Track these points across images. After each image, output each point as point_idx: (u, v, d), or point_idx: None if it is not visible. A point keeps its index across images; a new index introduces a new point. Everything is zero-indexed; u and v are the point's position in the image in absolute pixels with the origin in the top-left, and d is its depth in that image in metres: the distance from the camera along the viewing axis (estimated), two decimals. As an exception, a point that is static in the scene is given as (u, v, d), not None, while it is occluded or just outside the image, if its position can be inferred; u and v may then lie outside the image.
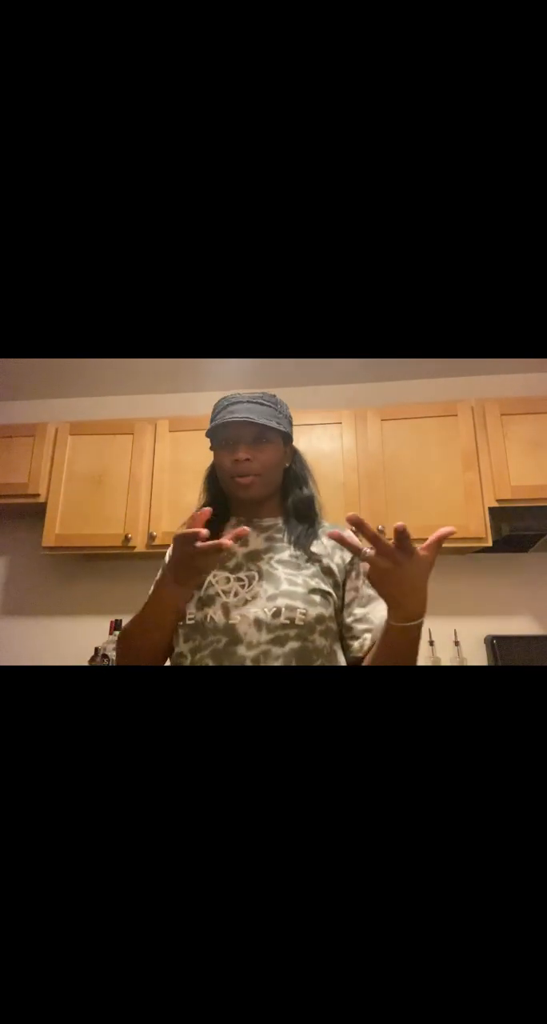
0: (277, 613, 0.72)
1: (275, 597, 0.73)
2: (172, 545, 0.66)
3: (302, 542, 0.81)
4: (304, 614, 0.72)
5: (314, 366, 2.11)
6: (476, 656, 1.97)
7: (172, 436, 2.05)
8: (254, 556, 0.79)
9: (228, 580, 0.77)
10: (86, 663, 2.00)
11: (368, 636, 0.76)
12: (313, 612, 0.73)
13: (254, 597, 0.74)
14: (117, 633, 1.94)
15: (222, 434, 0.80)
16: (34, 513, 2.16)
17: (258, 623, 0.72)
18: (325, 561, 0.79)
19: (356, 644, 0.76)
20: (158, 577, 0.76)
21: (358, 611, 0.78)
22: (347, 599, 0.79)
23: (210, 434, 0.81)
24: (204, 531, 0.61)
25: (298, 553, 0.79)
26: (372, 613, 0.78)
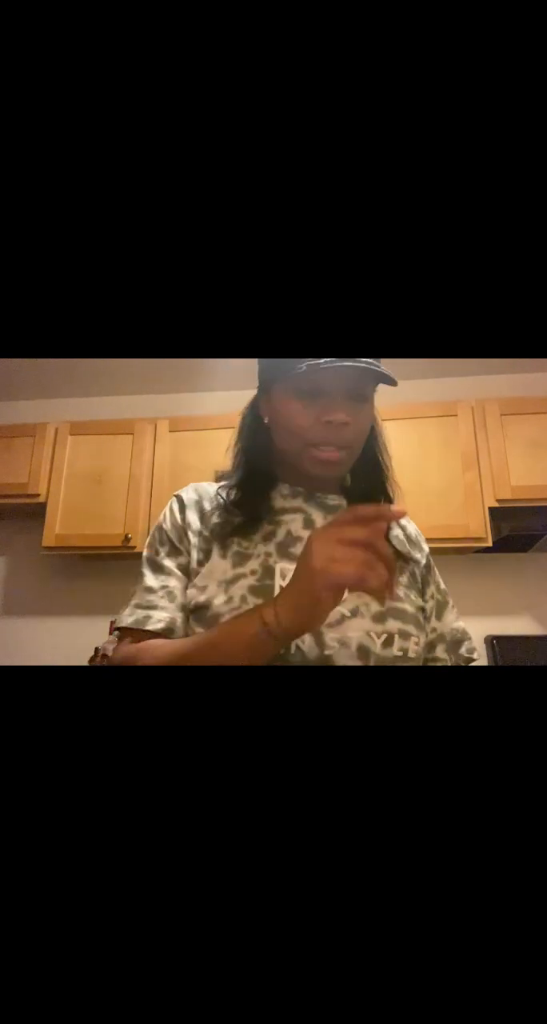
0: (389, 641, 0.51)
1: (383, 617, 0.52)
2: (315, 561, 0.40)
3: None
4: (417, 643, 0.53)
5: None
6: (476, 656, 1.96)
7: (172, 436, 2.05)
8: None
9: None
10: (86, 663, 2.00)
11: (446, 659, 0.59)
12: (422, 640, 0.54)
13: (353, 613, 0.51)
14: (117, 633, 1.94)
15: (312, 380, 0.51)
16: (34, 513, 2.15)
17: (364, 653, 0.49)
18: (410, 563, 0.60)
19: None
20: (248, 612, 0.47)
21: (438, 624, 0.61)
22: (427, 609, 0.60)
23: (274, 371, 0.55)
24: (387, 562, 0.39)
25: None
26: (447, 626, 0.61)
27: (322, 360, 0.49)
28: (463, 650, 0.62)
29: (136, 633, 0.56)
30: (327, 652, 0.49)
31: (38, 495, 2.04)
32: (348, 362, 0.49)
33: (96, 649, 1.96)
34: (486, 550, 1.89)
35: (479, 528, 1.78)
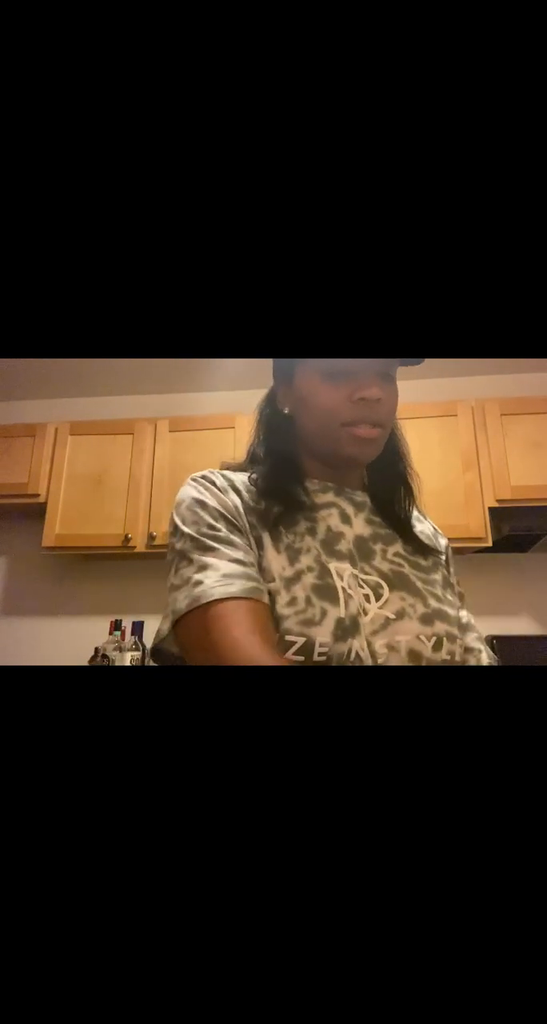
0: (439, 644, 0.48)
1: (430, 619, 0.49)
2: None
3: (409, 531, 0.57)
4: (461, 645, 0.51)
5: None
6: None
7: (172, 436, 2.05)
8: (364, 546, 0.53)
9: (356, 582, 0.49)
10: (86, 663, 2.00)
11: (481, 648, 0.57)
12: (461, 642, 0.52)
13: (398, 615, 0.48)
14: (117, 633, 1.94)
15: (339, 362, 0.50)
16: (34, 513, 2.16)
17: (415, 657, 0.47)
18: (442, 549, 0.59)
19: (471, 660, 0.56)
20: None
21: (463, 615, 0.59)
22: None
23: (311, 365, 0.52)
24: None
25: (410, 548, 0.56)
26: (470, 619, 0.60)
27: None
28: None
29: (238, 605, 0.44)
30: (380, 660, 0.46)
31: (38, 495, 2.04)
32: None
33: (96, 649, 1.96)
34: (486, 550, 1.89)
35: (479, 528, 1.78)
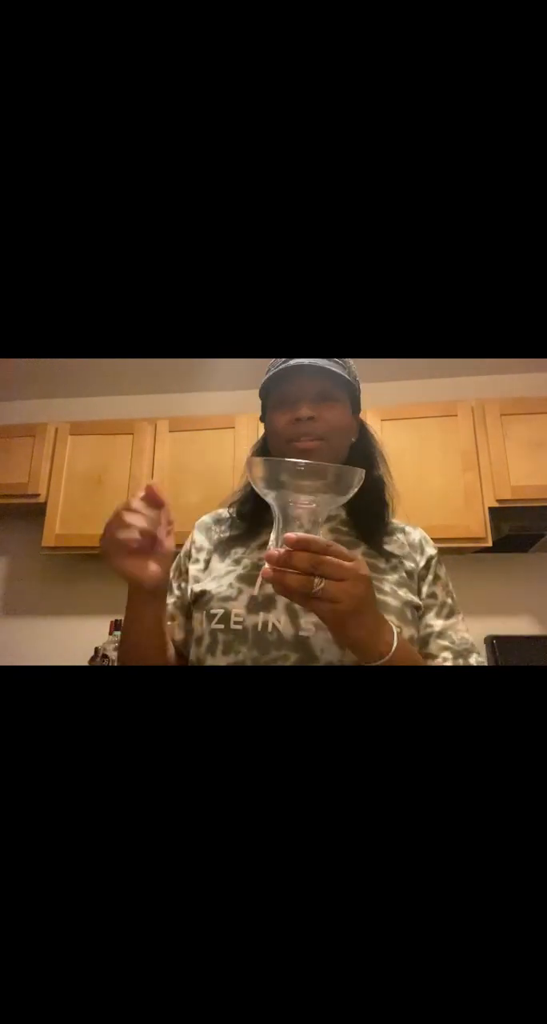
0: None
1: None
2: (106, 541, 0.51)
3: (376, 538, 0.64)
4: (410, 640, 0.57)
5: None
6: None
7: (172, 436, 2.05)
8: None
9: None
10: (86, 663, 2.00)
11: (447, 657, 0.61)
12: (406, 633, 0.57)
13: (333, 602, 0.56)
14: (117, 633, 1.94)
15: (279, 390, 0.63)
16: (34, 513, 2.16)
17: None
18: (407, 564, 0.64)
19: (432, 664, 0.60)
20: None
21: (437, 623, 0.63)
22: (421, 608, 0.64)
23: (263, 392, 0.66)
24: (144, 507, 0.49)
25: (373, 552, 0.63)
26: (453, 630, 0.63)
27: (271, 371, 0.63)
28: (472, 660, 0.63)
29: None
30: (302, 634, 0.56)
31: (38, 495, 2.04)
32: (305, 362, 0.61)
33: (96, 649, 1.96)
34: (486, 550, 1.89)
35: (479, 528, 1.78)
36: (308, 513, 0.46)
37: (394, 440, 1.94)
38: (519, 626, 2.00)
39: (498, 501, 1.82)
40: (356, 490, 0.47)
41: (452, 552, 1.96)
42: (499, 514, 1.83)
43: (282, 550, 0.43)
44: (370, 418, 1.97)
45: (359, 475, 0.46)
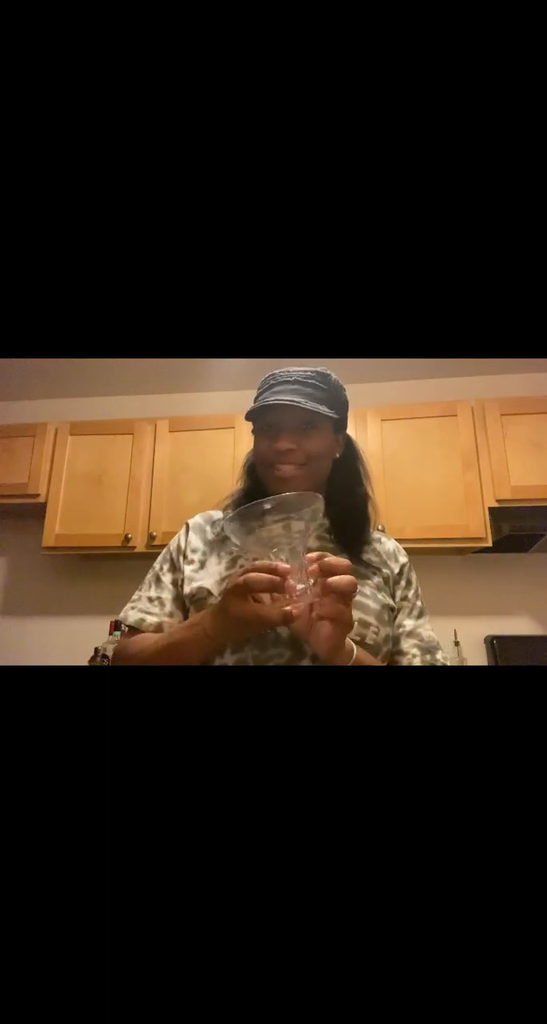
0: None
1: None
2: (229, 596, 0.52)
3: (355, 548, 0.70)
4: (376, 633, 0.63)
5: (314, 366, 2.10)
6: (476, 656, 1.96)
7: (172, 436, 2.05)
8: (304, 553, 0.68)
9: None
10: (86, 663, 2.00)
11: (416, 653, 0.67)
12: (383, 632, 0.64)
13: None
14: (117, 633, 1.94)
15: (263, 418, 0.69)
16: (34, 513, 2.16)
17: None
18: (383, 571, 0.71)
19: (403, 661, 0.66)
20: (193, 622, 0.60)
21: (408, 623, 0.69)
22: (395, 609, 0.70)
23: (251, 416, 0.70)
24: (290, 584, 0.49)
25: (354, 560, 0.68)
26: (422, 629, 0.69)
27: (272, 399, 0.66)
28: (439, 656, 0.69)
29: (133, 630, 0.71)
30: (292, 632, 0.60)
31: (38, 495, 2.04)
32: (285, 399, 0.65)
33: (96, 649, 1.96)
34: (486, 550, 1.89)
35: (479, 528, 1.78)
36: (291, 540, 0.51)
37: (394, 440, 1.94)
38: (519, 626, 2.00)
39: (498, 501, 1.82)
40: (321, 512, 0.52)
41: (452, 552, 1.96)
42: (499, 514, 1.83)
43: (313, 585, 0.49)
44: (370, 418, 1.97)
45: (319, 500, 0.52)
